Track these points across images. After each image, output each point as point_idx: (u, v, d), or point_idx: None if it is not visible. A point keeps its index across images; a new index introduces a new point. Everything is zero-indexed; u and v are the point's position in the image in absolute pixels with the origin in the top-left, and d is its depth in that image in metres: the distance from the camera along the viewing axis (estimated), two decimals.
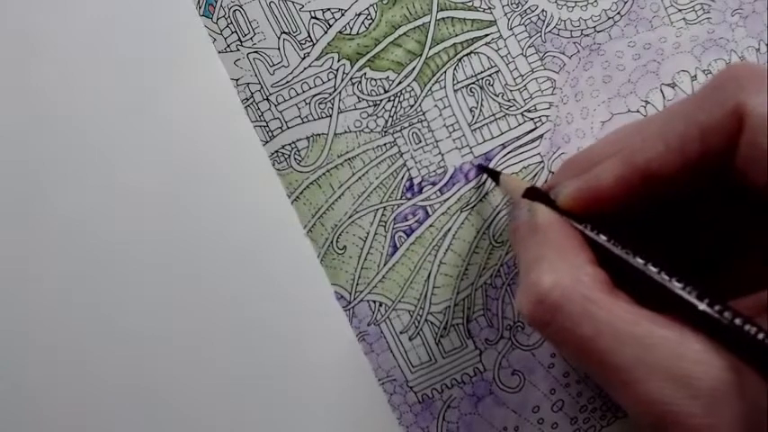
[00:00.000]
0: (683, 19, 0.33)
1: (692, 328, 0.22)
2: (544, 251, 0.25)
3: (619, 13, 0.33)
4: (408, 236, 0.32)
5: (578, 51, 0.33)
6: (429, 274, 0.33)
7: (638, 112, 0.33)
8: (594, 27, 0.33)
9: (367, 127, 0.32)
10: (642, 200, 0.26)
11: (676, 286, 0.23)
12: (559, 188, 0.27)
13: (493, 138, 0.33)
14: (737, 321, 0.22)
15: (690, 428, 0.21)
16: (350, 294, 0.32)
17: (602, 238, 0.25)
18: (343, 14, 0.32)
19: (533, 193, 0.28)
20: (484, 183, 0.33)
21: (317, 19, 0.32)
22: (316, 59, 0.32)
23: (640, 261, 0.24)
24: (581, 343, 0.23)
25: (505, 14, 0.32)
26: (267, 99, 0.32)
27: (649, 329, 0.22)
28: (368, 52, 0.32)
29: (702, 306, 0.22)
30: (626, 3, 0.33)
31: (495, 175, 0.32)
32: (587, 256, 0.25)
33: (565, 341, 0.24)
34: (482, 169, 0.33)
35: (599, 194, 0.26)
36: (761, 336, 0.21)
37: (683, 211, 0.27)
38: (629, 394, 0.22)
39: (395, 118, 0.32)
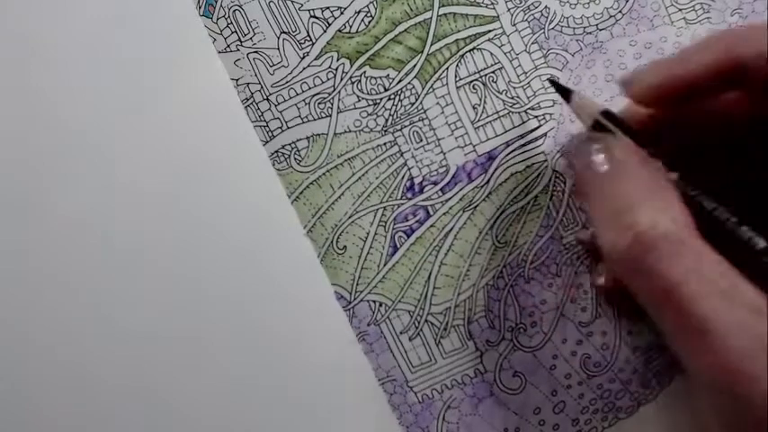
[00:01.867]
0: (684, 18, 0.33)
1: None
2: (632, 191, 0.24)
3: (620, 11, 0.32)
4: (409, 236, 0.32)
5: (581, 49, 0.32)
6: (429, 274, 0.32)
7: None
8: (597, 25, 0.32)
9: (367, 126, 0.32)
10: (724, 102, 0.25)
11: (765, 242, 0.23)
12: (637, 76, 0.26)
13: (497, 135, 0.32)
14: None
15: (759, 394, 0.21)
16: (350, 294, 0.32)
17: (694, 191, 0.24)
18: (342, 12, 0.32)
19: (609, 119, 0.27)
20: (489, 181, 0.32)
21: (317, 18, 0.31)
22: (315, 59, 0.32)
23: (728, 213, 0.24)
24: (667, 286, 0.22)
25: (508, 10, 0.32)
26: (267, 99, 0.32)
27: (735, 282, 0.22)
28: (367, 50, 0.32)
29: None
30: (627, 1, 0.32)
31: (566, 94, 0.29)
32: (676, 196, 0.24)
33: (650, 284, 0.23)
34: (553, 84, 0.30)
35: (682, 83, 0.25)
36: None
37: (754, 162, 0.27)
38: (703, 347, 0.22)
39: (395, 117, 0.32)
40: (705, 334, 0.22)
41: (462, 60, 0.32)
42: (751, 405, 0.21)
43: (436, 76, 0.32)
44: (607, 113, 0.27)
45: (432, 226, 0.32)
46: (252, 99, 0.32)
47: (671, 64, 0.26)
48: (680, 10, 0.33)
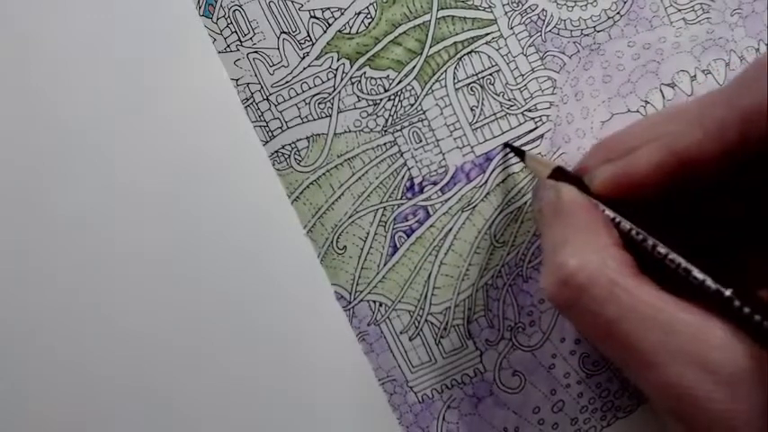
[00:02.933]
0: (683, 19, 0.33)
1: (715, 314, 0.22)
2: (569, 232, 0.25)
3: (618, 12, 0.33)
4: (408, 236, 0.32)
5: (578, 51, 0.33)
6: (429, 274, 0.32)
7: (637, 111, 0.33)
8: (594, 27, 0.33)
9: (367, 126, 0.32)
10: (676, 186, 0.26)
11: (701, 273, 0.23)
12: (594, 173, 0.27)
13: (494, 137, 0.33)
14: (762, 309, 0.22)
15: (709, 413, 0.21)
16: (350, 294, 0.32)
17: (628, 225, 0.25)
18: (342, 13, 0.32)
19: (560, 174, 0.28)
20: (487, 181, 0.32)
21: (317, 18, 0.32)
22: (315, 59, 0.32)
23: (666, 248, 0.24)
24: (605, 326, 0.23)
25: (506, 13, 0.32)
26: (267, 99, 0.32)
27: (674, 314, 0.22)
28: (367, 51, 0.32)
29: (728, 293, 0.22)
30: (625, 3, 0.33)
31: (520, 154, 0.32)
32: (613, 238, 0.25)
33: (588, 323, 0.24)
34: (507, 147, 0.32)
35: (634, 180, 0.26)
36: None
37: (703, 199, 0.27)
38: (651, 378, 0.23)
39: (395, 117, 0.32)
40: (650, 366, 0.23)
41: (460, 63, 0.32)
42: (697, 426, 0.22)
43: (435, 77, 0.32)
44: (557, 170, 0.29)
45: (431, 226, 0.32)
46: (252, 99, 0.32)
47: (620, 166, 0.27)
48: (679, 10, 0.33)
